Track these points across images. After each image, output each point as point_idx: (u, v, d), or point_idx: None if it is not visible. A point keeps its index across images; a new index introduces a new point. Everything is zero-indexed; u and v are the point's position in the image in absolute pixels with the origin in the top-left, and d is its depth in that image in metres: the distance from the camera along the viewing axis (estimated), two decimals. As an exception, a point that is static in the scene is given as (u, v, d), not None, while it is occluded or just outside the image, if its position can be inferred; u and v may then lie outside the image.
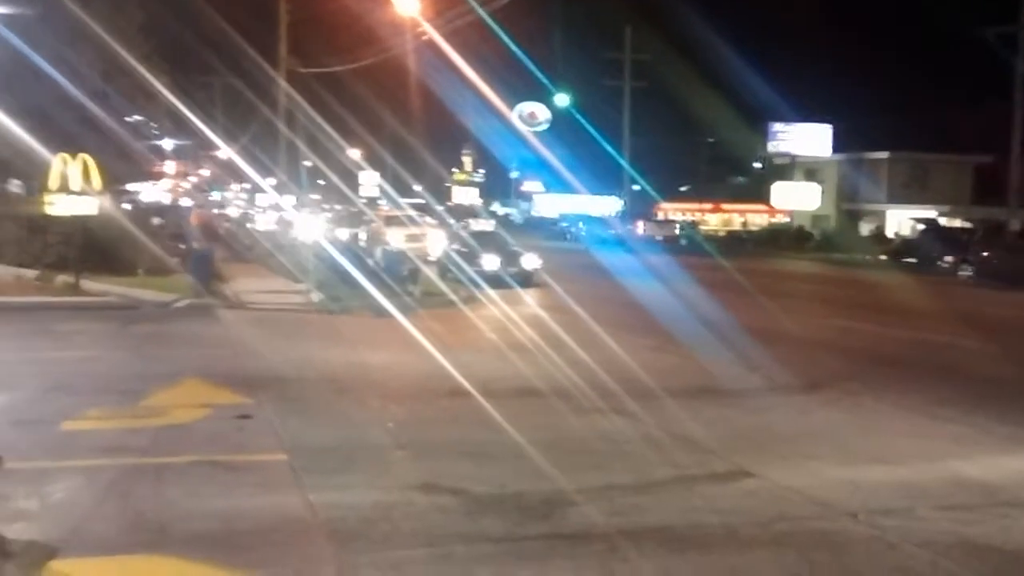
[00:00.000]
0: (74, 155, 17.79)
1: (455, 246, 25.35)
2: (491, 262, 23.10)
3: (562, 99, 49.25)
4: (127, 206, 31.69)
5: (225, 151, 44.70)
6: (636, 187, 60.09)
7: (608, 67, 53.64)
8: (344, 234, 30.22)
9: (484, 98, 40.14)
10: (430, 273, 21.74)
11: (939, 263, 30.78)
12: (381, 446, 7.75)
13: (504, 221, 57.89)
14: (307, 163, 44.14)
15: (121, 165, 28.88)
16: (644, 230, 53.84)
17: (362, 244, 27.57)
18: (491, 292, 19.44)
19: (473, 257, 23.32)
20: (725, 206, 68.32)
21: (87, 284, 17.79)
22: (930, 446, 8.20)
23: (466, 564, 5.28)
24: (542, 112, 52.65)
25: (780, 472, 7.12)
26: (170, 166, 62.39)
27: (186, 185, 66.97)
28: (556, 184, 68.57)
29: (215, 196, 67.92)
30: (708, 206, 68.55)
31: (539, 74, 43.85)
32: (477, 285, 20.39)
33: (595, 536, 5.73)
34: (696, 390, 10.44)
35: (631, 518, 6.10)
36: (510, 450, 7.54)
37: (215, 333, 14.37)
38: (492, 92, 39.81)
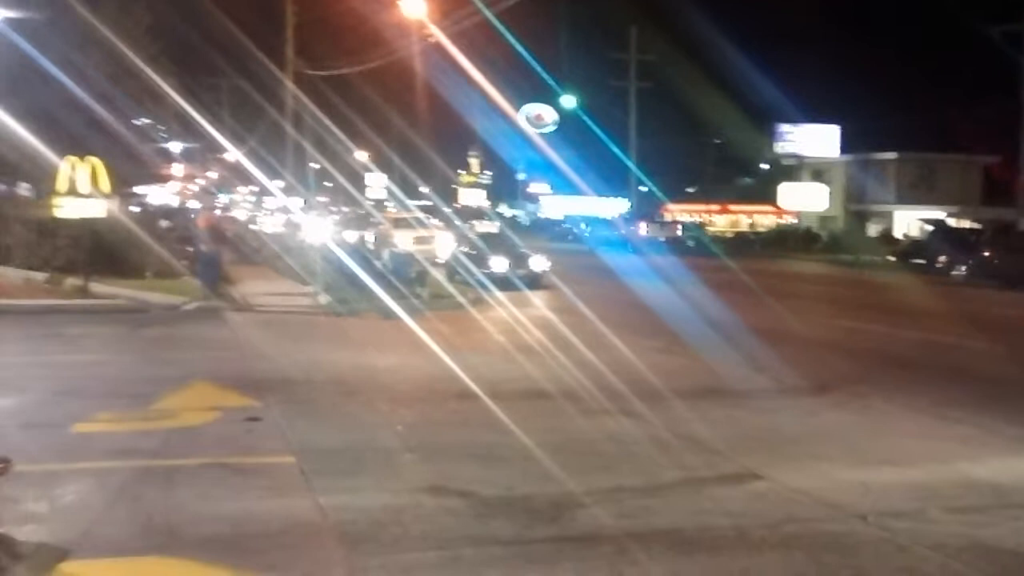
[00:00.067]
0: (82, 158, 17.85)
1: (463, 248, 25.34)
2: (499, 264, 23.11)
3: (568, 100, 49.28)
4: (135, 209, 31.76)
5: (233, 153, 44.82)
6: (643, 188, 60.12)
7: (614, 68, 53.66)
8: (352, 236, 30.24)
9: (491, 100, 40.25)
10: (438, 275, 21.75)
11: (935, 263, 30.80)
12: (390, 449, 7.75)
13: (511, 223, 57.96)
14: (314, 165, 44.26)
15: (129, 168, 28.96)
16: (647, 231, 53.88)
17: (370, 246, 27.59)
18: (499, 294, 19.46)
19: (481, 259, 23.33)
20: (732, 207, 68.26)
21: (96, 287, 17.84)
22: (939, 447, 8.18)
23: (475, 567, 5.28)
24: (549, 114, 52.71)
25: (789, 474, 7.11)
26: (178, 169, 62.54)
27: (194, 188, 67.09)
28: (563, 186, 68.63)
29: (223, 199, 68.06)
30: (715, 207, 68.51)
31: (545, 76, 43.93)
32: (485, 287, 20.40)
33: (604, 538, 5.73)
34: (704, 391, 10.43)
35: (640, 520, 6.10)
36: (519, 452, 7.54)
37: (223, 336, 14.40)
38: (499, 94, 39.90)
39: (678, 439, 8.08)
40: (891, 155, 52.13)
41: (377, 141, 57.34)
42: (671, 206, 66.20)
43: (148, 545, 5.45)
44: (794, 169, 55.80)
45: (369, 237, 30.35)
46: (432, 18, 28.56)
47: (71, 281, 18.00)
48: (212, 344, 13.49)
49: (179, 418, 8.56)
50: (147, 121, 33.58)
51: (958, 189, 51.15)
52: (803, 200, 54.45)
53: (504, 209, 77.51)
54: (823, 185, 54.06)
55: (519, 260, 23.76)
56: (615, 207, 65.79)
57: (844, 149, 53.89)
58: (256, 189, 69.31)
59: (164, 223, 29.67)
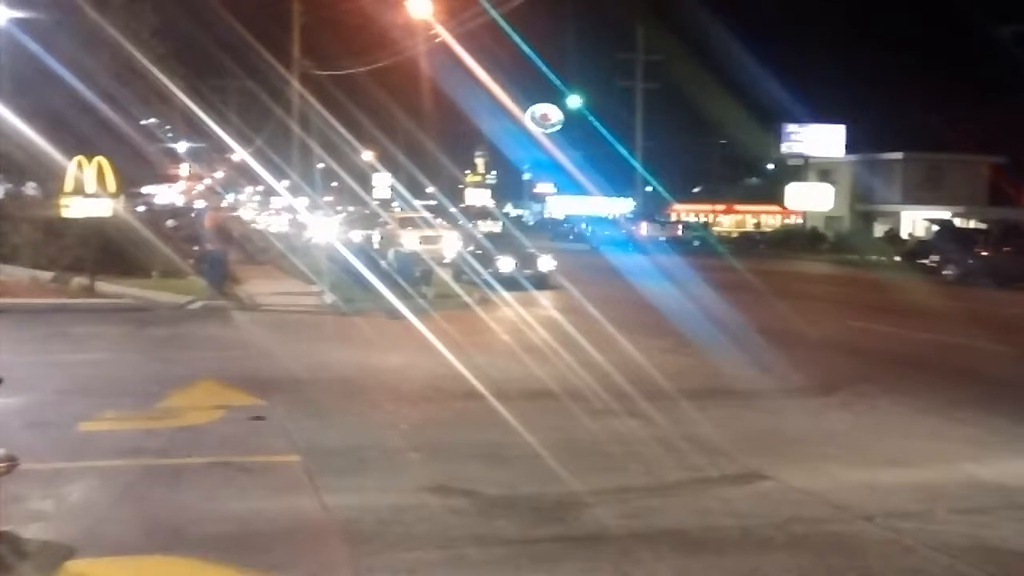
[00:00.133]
0: (89, 158, 17.89)
1: (470, 248, 25.32)
2: (506, 264, 23.09)
3: (574, 101, 49.29)
4: (141, 209, 31.83)
5: (239, 153, 44.90)
6: (649, 188, 60.08)
7: (620, 68, 53.64)
8: (357, 236, 30.23)
9: (497, 100, 40.25)
10: (444, 275, 21.76)
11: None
12: (394, 448, 7.75)
13: (516, 222, 57.98)
14: (320, 165, 44.32)
15: (136, 168, 29.06)
16: (647, 231, 54.12)
17: (376, 246, 27.59)
18: (505, 294, 19.45)
19: (488, 259, 23.31)
20: (738, 207, 68.20)
21: (102, 286, 17.87)
22: (946, 448, 8.16)
23: (480, 566, 5.28)
24: (554, 114, 52.67)
25: (795, 474, 7.10)
26: (184, 169, 62.69)
27: (200, 188, 67.20)
28: (569, 186, 68.64)
29: (229, 198, 68.20)
30: (721, 207, 68.44)
31: (551, 76, 43.92)
32: (491, 287, 20.39)
33: (609, 538, 5.72)
34: (710, 392, 10.41)
35: (645, 520, 6.09)
36: (523, 452, 7.54)
37: (229, 335, 14.42)
38: (504, 94, 39.93)
39: (684, 439, 8.07)
40: (897, 155, 52.04)
41: (383, 141, 57.42)
42: (677, 206, 66.17)
43: (153, 544, 5.46)
44: (800, 169, 55.70)
45: (375, 237, 30.35)
46: (438, 18, 28.59)
47: (77, 280, 18.03)
48: (218, 343, 13.51)
49: (184, 417, 8.57)
50: (154, 121, 33.66)
51: (965, 189, 51.04)
52: (809, 200, 54.36)
53: (510, 209, 77.51)
54: (829, 185, 53.97)
55: (526, 260, 23.74)
56: (620, 207, 65.77)
57: (850, 149, 53.80)
58: (262, 189, 69.40)
59: (170, 223, 29.72)
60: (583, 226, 60.13)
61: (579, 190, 65.52)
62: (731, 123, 53.88)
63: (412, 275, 19.92)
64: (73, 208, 17.82)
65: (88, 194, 17.55)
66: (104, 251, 18.87)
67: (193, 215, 38.05)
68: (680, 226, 57.27)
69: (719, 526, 6.01)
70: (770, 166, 65.09)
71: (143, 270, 20.02)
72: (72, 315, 15.38)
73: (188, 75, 27.40)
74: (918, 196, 50.66)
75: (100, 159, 17.89)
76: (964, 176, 52.29)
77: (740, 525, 6.01)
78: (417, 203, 43.38)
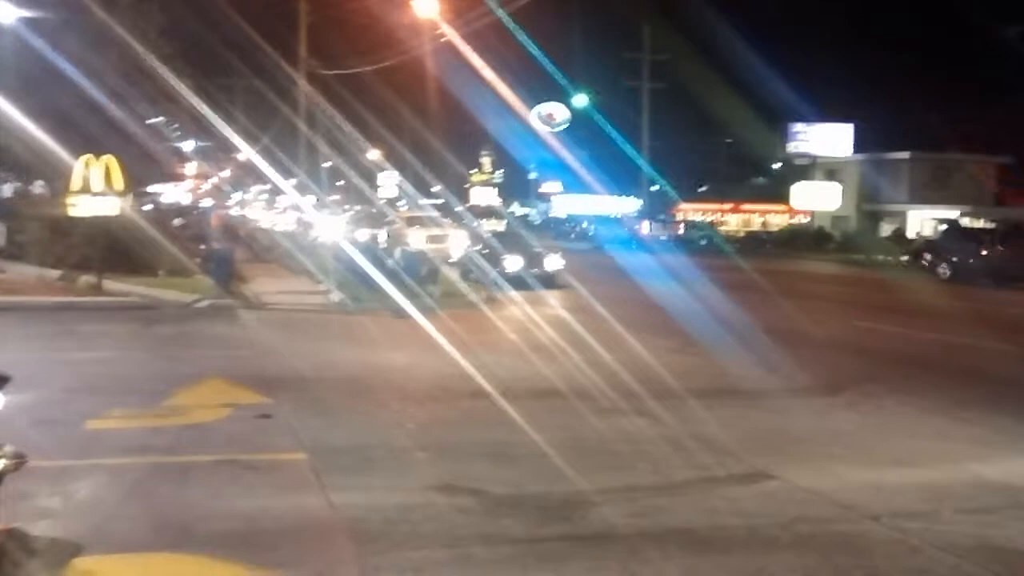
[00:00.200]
0: (96, 157, 17.93)
1: (477, 247, 25.30)
2: (513, 263, 23.07)
3: (580, 100, 49.17)
4: (148, 207, 31.91)
5: (246, 152, 44.94)
6: (655, 188, 60.04)
7: (627, 67, 53.63)
8: (364, 235, 30.25)
9: (503, 99, 40.20)
10: (450, 274, 21.76)
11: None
12: (401, 447, 7.76)
13: (522, 221, 57.95)
14: (327, 164, 44.34)
15: (143, 166, 29.06)
16: (649, 230, 54.47)
17: (382, 245, 27.59)
18: (512, 293, 19.46)
19: (495, 258, 23.30)
20: (744, 206, 68.11)
21: (109, 285, 17.92)
22: (952, 448, 8.15)
23: (486, 565, 5.29)
24: (560, 113, 52.59)
25: (801, 474, 7.09)
26: (191, 168, 62.75)
27: (207, 186, 67.30)
28: (575, 185, 68.59)
29: (236, 197, 68.29)
30: (727, 207, 68.36)
31: (558, 75, 43.85)
32: (499, 286, 20.39)
33: (616, 537, 5.73)
34: (716, 391, 10.41)
35: (652, 519, 6.09)
36: (530, 451, 7.54)
37: (235, 333, 14.45)
38: (511, 93, 39.89)
39: (691, 439, 8.07)
40: (904, 155, 51.93)
41: (389, 140, 57.42)
42: (683, 205, 66.13)
43: (160, 541, 5.48)
44: (807, 169, 55.62)
45: (382, 236, 30.36)
46: (444, 17, 28.60)
47: (85, 279, 18.09)
48: (224, 342, 13.54)
49: (191, 415, 8.59)
50: (160, 120, 33.71)
51: (972, 189, 50.92)
52: (816, 200, 54.27)
53: (516, 208, 77.53)
54: (836, 184, 53.86)
55: (533, 259, 23.72)
56: (626, 206, 65.76)
57: (857, 148, 53.70)
58: (269, 188, 69.47)
59: (177, 221, 29.79)
60: (584, 225, 60.34)
61: (585, 189, 65.48)
62: (737, 122, 53.76)
63: (418, 274, 19.93)
64: (80, 207, 17.87)
65: (95, 193, 17.61)
66: (111, 250, 18.92)
67: (196, 212, 38.09)
68: (681, 225, 57.49)
69: (726, 525, 6.00)
70: (776, 165, 64.99)
71: (150, 269, 20.07)
72: (79, 313, 15.42)
73: (195, 74, 27.47)
74: (925, 196, 50.56)
75: (107, 158, 17.94)
76: (971, 176, 52.17)
77: (747, 524, 6.01)
78: (424, 202, 43.37)
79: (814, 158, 54.40)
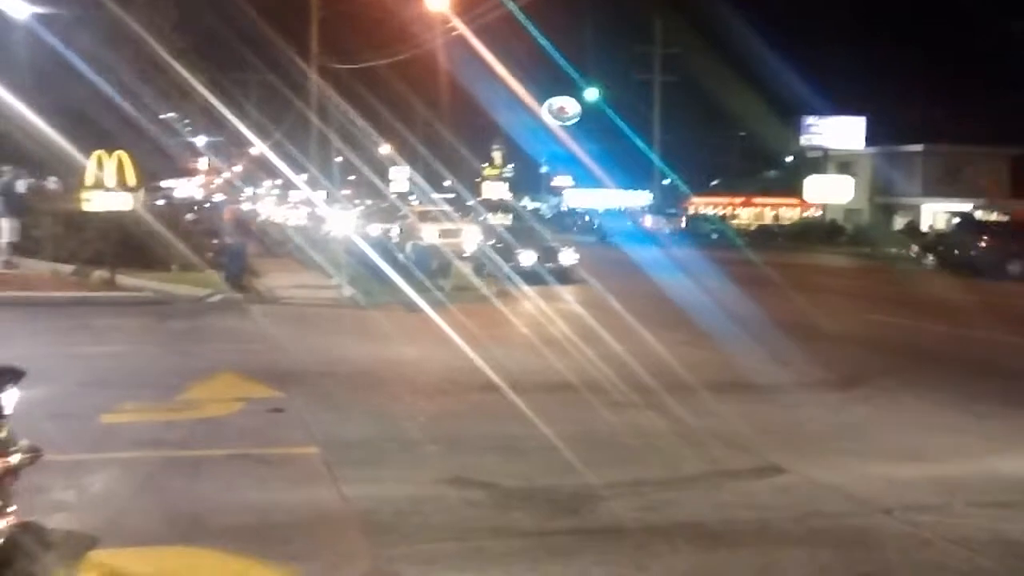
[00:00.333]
0: (110, 152, 18.00)
1: (491, 242, 25.24)
2: (527, 258, 23.00)
3: (592, 93, 49.16)
4: (161, 202, 32.02)
5: (258, 147, 45.06)
6: (667, 181, 59.93)
7: (638, 61, 53.55)
8: (375, 229, 30.30)
9: (514, 93, 40.22)
10: (462, 268, 21.75)
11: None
12: (412, 440, 7.79)
13: (534, 215, 57.96)
14: (338, 159, 44.41)
15: (156, 162, 29.21)
16: (653, 223, 54.69)
17: (394, 239, 27.63)
18: (524, 287, 19.45)
19: (509, 253, 23.25)
20: (756, 200, 67.89)
21: (122, 279, 17.99)
22: (965, 442, 8.11)
23: (497, 558, 5.30)
24: (572, 107, 52.60)
25: (813, 468, 7.08)
26: (203, 162, 62.90)
27: (219, 181, 67.46)
28: (586, 179, 68.53)
29: (248, 192, 68.43)
30: (739, 200, 68.15)
31: (569, 69, 43.82)
32: (512, 281, 20.38)
33: (626, 531, 5.73)
34: (728, 385, 10.39)
35: (662, 513, 6.09)
36: (541, 444, 7.55)
37: (248, 328, 14.50)
38: (522, 87, 39.89)
39: (701, 432, 8.06)
40: (917, 147, 51.66)
41: (401, 134, 57.43)
42: (695, 199, 65.99)
43: (174, 534, 5.51)
44: (819, 162, 55.41)
45: (394, 230, 30.40)
46: (456, 12, 28.60)
47: (98, 273, 18.16)
48: (237, 336, 13.59)
49: (204, 409, 8.63)
50: (173, 115, 33.82)
51: (985, 182, 50.62)
52: (828, 193, 54.07)
53: (527, 202, 77.44)
54: (848, 177, 53.62)
55: (547, 254, 23.64)
56: (637, 200, 65.71)
57: (870, 141, 53.45)
58: (281, 182, 69.62)
59: (190, 216, 29.88)
60: (586, 218, 60.67)
61: (597, 183, 65.42)
62: (749, 116, 53.62)
63: (429, 268, 19.95)
64: (94, 202, 17.95)
65: (108, 188, 17.68)
66: (124, 245, 18.99)
67: (207, 206, 38.15)
68: (684, 218, 57.66)
69: (737, 519, 6.00)
70: (789, 159, 64.75)
71: (163, 263, 20.14)
72: (93, 308, 15.50)
73: (208, 69, 27.53)
74: (938, 189, 50.30)
75: (120, 153, 18.02)
76: (985, 168, 51.86)
77: (758, 518, 6.00)
78: (436, 196, 43.37)
79: (826, 151, 54.18)
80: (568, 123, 53.00)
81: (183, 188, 56.20)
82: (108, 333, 13.46)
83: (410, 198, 48.06)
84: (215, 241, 22.16)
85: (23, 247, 19.70)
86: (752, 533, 5.78)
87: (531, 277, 21.13)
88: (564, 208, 75.03)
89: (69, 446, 6.97)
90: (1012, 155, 51.63)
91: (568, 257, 23.87)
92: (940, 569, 5.28)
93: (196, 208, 36.66)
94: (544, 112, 52.04)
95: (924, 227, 46.74)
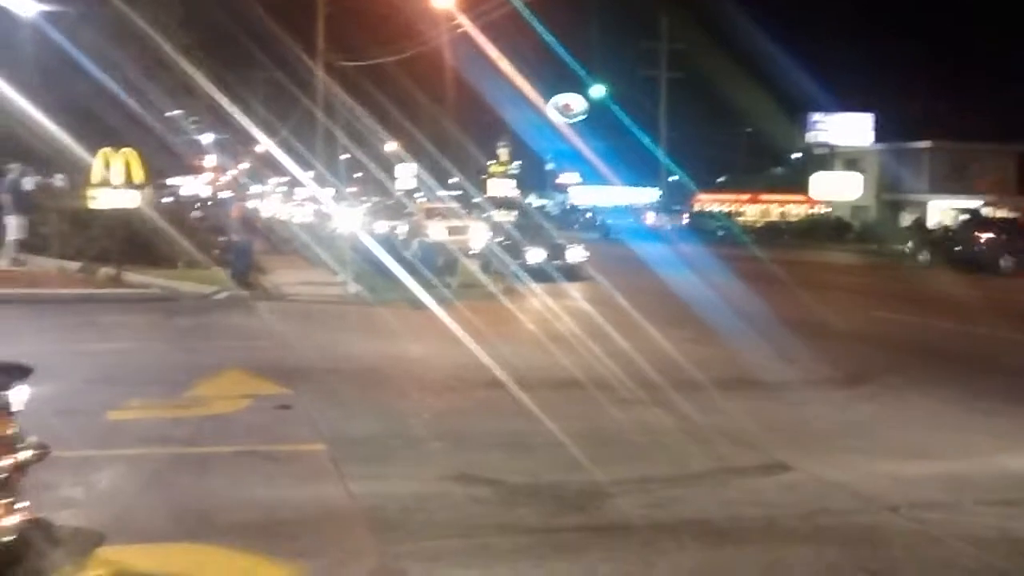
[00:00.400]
0: (116, 149, 18.04)
1: (499, 239, 25.20)
2: (535, 255, 22.97)
3: (598, 90, 49.06)
4: (168, 200, 32.08)
5: (264, 144, 45.12)
6: (673, 178, 59.83)
7: (644, 57, 53.40)
8: (382, 226, 30.30)
9: (520, 90, 40.18)
10: (469, 265, 21.74)
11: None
12: (418, 437, 7.80)
13: (540, 212, 57.98)
14: (345, 156, 44.42)
15: (162, 159, 29.25)
16: (655, 220, 54.75)
17: (401, 236, 27.63)
18: (532, 284, 19.44)
19: (516, 250, 23.23)
20: (763, 197, 67.75)
21: (129, 276, 18.05)
22: (972, 440, 8.09)
23: (503, 555, 5.30)
24: (578, 103, 52.49)
25: (820, 465, 7.07)
26: (210, 160, 62.97)
27: (226, 179, 67.52)
28: (592, 176, 68.47)
29: (254, 189, 68.50)
30: (746, 197, 68.02)
31: (574, 65, 43.76)
32: (519, 278, 20.36)
33: (633, 528, 5.72)
34: (734, 382, 10.38)
35: (669, 510, 6.09)
36: (546, 441, 7.55)
37: (254, 324, 14.52)
38: (528, 84, 39.86)
39: (708, 429, 8.05)
40: (925, 144, 51.48)
41: (407, 131, 57.47)
42: (701, 196, 65.88)
43: (181, 531, 5.52)
44: (826, 158, 55.22)
45: (401, 227, 30.41)
46: (461, 8, 28.58)
47: (104, 270, 18.21)
48: (243, 333, 13.62)
49: (211, 406, 8.65)
50: (180, 112, 33.87)
51: (993, 178, 50.42)
52: (835, 190, 53.89)
53: (533, 199, 77.42)
54: (856, 174, 53.44)
55: (555, 251, 23.61)
56: (644, 197, 65.67)
57: (877, 138, 53.27)
58: (287, 180, 69.67)
59: (196, 213, 29.94)
60: (587, 215, 60.77)
61: (603, 180, 65.35)
62: (756, 112, 53.48)
63: (435, 265, 19.95)
64: (100, 199, 17.99)
65: (115, 185, 17.72)
66: (130, 242, 19.05)
67: (210, 203, 38.17)
68: (686, 215, 57.73)
69: (744, 516, 5.99)
70: (796, 155, 64.58)
71: (169, 260, 20.18)
72: (99, 305, 15.53)
73: (214, 66, 27.55)
74: (945, 185, 50.13)
75: (127, 151, 18.06)
76: (993, 164, 51.65)
77: (765, 516, 5.99)
78: (442, 193, 43.34)
79: (833, 148, 54.01)
80: (574, 120, 52.92)
81: (190, 185, 56.29)
82: (115, 330, 13.50)
83: (416, 195, 48.04)
84: (221, 238, 22.18)
85: (30, 244, 19.75)
86: (759, 530, 5.77)
87: (538, 274, 21.11)
88: (567, 205, 75.03)
89: (76, 442, 7.00)
90: (1019, 152, 51.41)
91: (576, 254, 23.83)
92: (947, 567, 5.27)
93: (198, 205, 36.74)
94: (550, 109, 51.96)
95: (931, 224, 46.57)
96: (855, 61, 63.35)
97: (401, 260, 19.71)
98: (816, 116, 53.03)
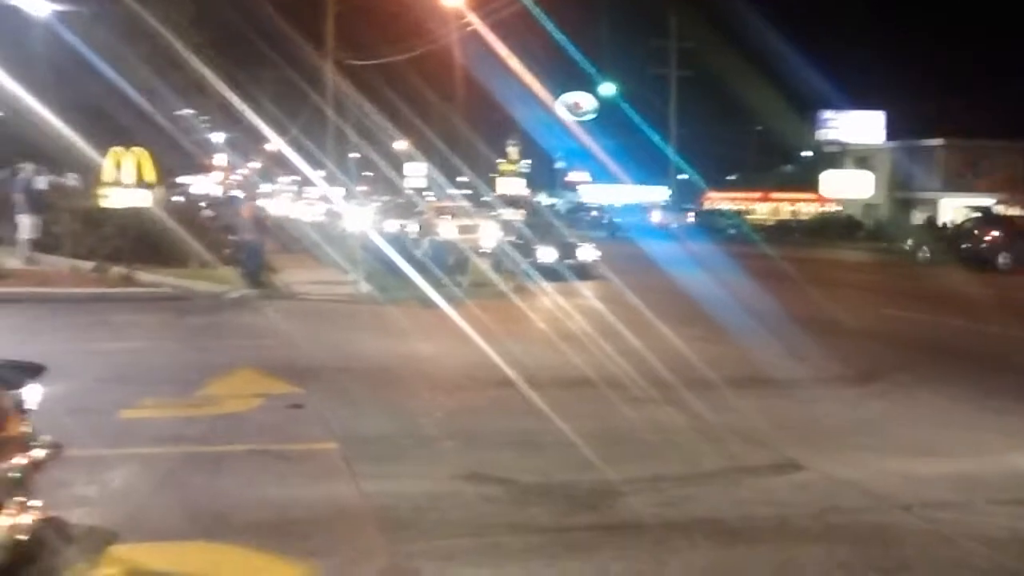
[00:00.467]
0: (128, 149, 18.11)
1: (510, 238, 25.16)
2: (546, 254, 22.95)
3: (607, 88, 49.02)
4: (179, 198, 32.18)
5: (275, 143, 45.21)
6: (683, 176, 59.73)
7: (654, 55, 53.31)
8: (392, 225, 30.33)
9: (530, 88, 40.17)
10: (480, 264, 21.73)
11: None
12: (430, 436, 7.81)
13: (550, 211, 57.98)
14: (355, 155, 44.47)
15: (173, 158, 29.37)
16: (661, 219, 54.78)
17: (412, 235, 27.64)
18: (542, 283, 19.43)
19: (527, 248, 23.21)
20: (774, 195, 67.61)
21: (141, 276, 18.09)
22: (984, 438, 8.06)
23: (515, 554, 5.31)
24: (587, 102, 52.44)
25: (831, 464, 7.06)
26: (221, 159, 63.18)
27: (236, 177, 67.72)
28: (602, 174, 68.41)
29: (264, 188, 68.68)
30: (756, 195, 67.87)
31: (584, 64, 43.72)
32: (531, 277, 20.35)
33: (644, 527, 5.73)
34: (745, 380, 10.36)
35: (681, 509, 6.09)
36: (558, 440, 7.55)
37: (266, 323, 14.56)
38: (537, 82, 39.84)
39: (719, 428, 8.05)
40: (937, 141, 51.25)
41: (417, 129, 57.50)
42: (711, 194, 65.76)
43: (194, 529, 5.55)
44: (837, 156, 55.06)
45: (412, 226, 30.42)
46: (471, 6, 28.58)
47: (117, 270, 18.27)
48: (255, 332, 13.65)
49: (224, 405, 8.67)
50: (191, 112, 33.98)
51: (1005, 176, 50.14)
52: (846, 188, 53.75)
53: (543, 197, 77.39)
54: (867, 172, 53.25)
55: (566, 250, 23.57)
56: (654, 195, 65.62)
57: (889, 136, 53.07)
58: (298, 178, 69.82)
59: (207, 212, 30.01)
60: (592, 213, 60.85)
61: (613, 179, 65.30)
62: (766, 110, 53.30)
63: (446, 264, 19.95)
64: (112, 198, 18.08)
65: (127, 184, 17.80)
66: (142, 241, 19.10)
67: (220, 200, 38.23)
68: (693, 214, 57.76)
69: (755, 515, 5.99)
70: (807, 153, 64.40)
71: (181, 260, 20.24)
72: (111, 304, 15.59)
73: (224, 64, 27.63)
74: (957, 183, 49.89)
75: (138, 150, 18.13)
76: (1006, 162, 51.38)
77: (776, 515, 5.99)
78: (453, 191, 43.33)
79: (844, 145, 53.84)
80: (584, 118, 52.87)
81: (200, 184, 56.44)
82: (127, 329, 13.55)
83: (427, 194, 48.08)
84: (232, 237, 22.24)
85: (43, 243, 19.84)
86: (770, 529, 5.77)
87: (550, 273, 21.09)
88: (574, 203, 75.03)
89: (90, 441, 7.02)
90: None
91: (588, 253, 23.78)
92: (959, 566, 5.25)
93: (207, 204, 36.78)
94: (559, 107, 51.92)
95: (942, 222, 46.36)
96: (866, 58, 63.14)
97: (412, 259, 19.73)
98: (827, 114, 52.91)
